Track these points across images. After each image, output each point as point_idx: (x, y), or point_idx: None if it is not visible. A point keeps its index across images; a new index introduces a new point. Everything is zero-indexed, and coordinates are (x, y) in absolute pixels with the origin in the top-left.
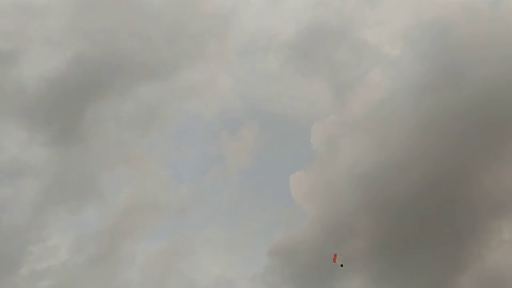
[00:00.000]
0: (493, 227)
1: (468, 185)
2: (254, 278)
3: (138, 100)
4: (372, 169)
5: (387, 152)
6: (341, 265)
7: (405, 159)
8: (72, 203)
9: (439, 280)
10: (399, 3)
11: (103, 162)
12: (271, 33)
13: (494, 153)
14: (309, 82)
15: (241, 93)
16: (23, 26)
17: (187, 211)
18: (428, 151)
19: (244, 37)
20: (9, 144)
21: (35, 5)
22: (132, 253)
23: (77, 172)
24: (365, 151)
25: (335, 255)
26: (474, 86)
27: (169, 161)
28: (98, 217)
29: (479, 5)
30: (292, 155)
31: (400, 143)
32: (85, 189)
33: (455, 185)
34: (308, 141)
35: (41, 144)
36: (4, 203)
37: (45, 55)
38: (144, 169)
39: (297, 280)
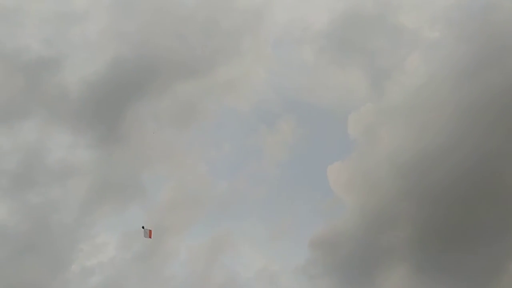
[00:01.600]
0: None
1: None
2: (296, 270)
3: (175, 98)
4: (412, 157)
5: (426, 139)
6: None
7: (446, 145)
8: (117, 202)
9: (488, 265)
10: None
11: (144, 160)
12: (305, 24)
13: None
14: (345, 72)
15: (277, 86)
16: (64, 32)
17: (227, 206)
18: (468, 135)
19: (277, 30)
20: (56, 147)
21: (75, 12)
22: (175, 249)
23: (121, 171)
24: (404, 139)
25: None
26: None
27: (208, 156)
28: (142, 214)
29: None
30: (329, 146)
31: (440, 129)
32: (129, 188)
33: (497, 169)
34: (345, 131)
35: (85, 146)
36: (54, 203)
37: (86, 59)
38: (184, 166)
39: (339, 271)
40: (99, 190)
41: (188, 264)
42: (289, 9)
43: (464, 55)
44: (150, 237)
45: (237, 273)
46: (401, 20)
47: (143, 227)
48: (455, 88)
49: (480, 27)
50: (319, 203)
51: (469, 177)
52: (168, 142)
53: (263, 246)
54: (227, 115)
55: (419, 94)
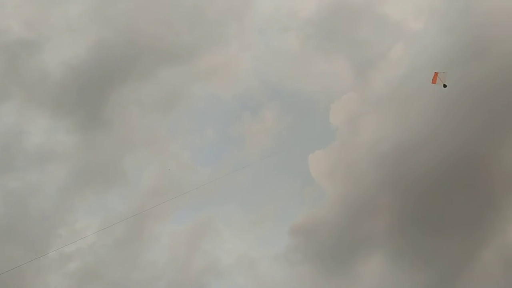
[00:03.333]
0: None
1: (492, 162)
2: (277, 257)
3: (159, 84)
4: (392, 147)
5: (409, 130)
6: (444, 86)
7: (428, 137)
8: (97, 187)
9: (461, 254)
10: None
11: (126, 145)
12: (291, 11)
13: None
14: (330, 60)
15: (262, 73)
16: (46, 14)
17: (210, 192)
18: (451, 128)
19: (263, 17)
20: (36, 131)
21: None
22: (157, 235)
23: (102, 156)
24: (386, 129)
25: (436, 73)
26: (501, 61)
27: (191, 143)
28: (123, 200)
29: None
30: (311, 134)
31: (423, 121)
32: (110, 173)
33: (478, 162)
34: (328, 119)
35: (66, 131)
36: (33, 188)
37: (68, 42)
38: (166, 151)
39: (318, 258)
40: (79, 175)
41: (169, 250)
42: None
43: (446, 46)
44: (434, 82)
45: (218, 259)
46: (387, 11)
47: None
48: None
49: (462, 19)
50: (300, 191)
51: (450, 168)
52: (151, 128)
53: (244, 232)
54: (211, 101)
55: (403, 85)
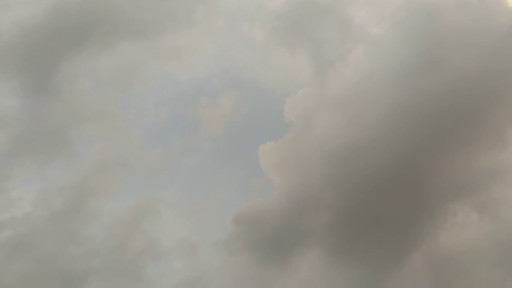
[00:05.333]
0: (449, 210)
1: (433, 169)
2: (217, 243)
3: (116, 58)
4: (344, 148)
5: (359, 133)
6: None
7: (376, 141)
8: (39, 156)
9: (392, 255)
10: None
11: (75, 117)
12: (260, 1)
13: (463, 140)
14: (292, 56)
15: (222, 60)
16: None
17: (157, 173)
18: (394, 132)
19: (232, 4)
20: None
21: None
22: (98, 211)
23: (48, 125)
24: (336, 128)
25: None
26: (453, 72)
27: (143, 122)
28: (65, 172)
29: None
30: (265, 125)
31: (370, 123)
32: (55, 143)
33: (418, 171)
34: (282, 113)
35: (11, 94)
36: None
37: (22, 1)
38: (117, 128)
39: (259, 247)
40: (20, 142)
41: (108, 227)
42: None
43: (404, 57)
44: None
45: (157, 240)
46: (352, 14)
47: None
48: (391, 87)
49: (423, 33)
50: (247, 181)
51: (393, 172)
52: (103, 102)
53: (187, 217)
54: (168, 82)
55: (357, 88)
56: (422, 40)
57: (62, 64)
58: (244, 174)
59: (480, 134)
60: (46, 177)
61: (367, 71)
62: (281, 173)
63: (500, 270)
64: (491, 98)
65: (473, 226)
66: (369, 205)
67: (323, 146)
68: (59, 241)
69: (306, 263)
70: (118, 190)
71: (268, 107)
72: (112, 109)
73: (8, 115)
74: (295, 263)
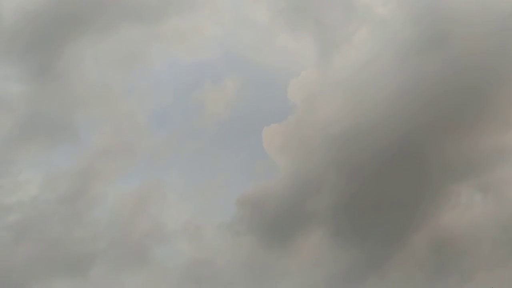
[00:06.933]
0: (453, 190)
1: (437, 150)
2: (221, 226)
3: (120, 40)
4: (348, 130)
5: (363, 115)
6: None
7: (379, 124)
8: (45, 141)
9: (395, 236)
10: None
11: (79, 101)
12: None
13: (467, 121)
14: (296, 37)
15: (228, 43)
16: None
17: (161, 157)
18: (402, 117)
19: None
20: None
21: None
22: (103, 194)
23: (53, 109)
24: (342, 111)
25: None
26: (458, 52)
27: (148, 105)
28: (71, 156)
29: None
30: (269, 108)
31: (378, 106)
32: (60, 127)
33: (424, 150)
34: (286, 95)
35: (16, 79)
36: None
37: None
38: (121, 112)
39: (262, 229)
40: (26, 126)
41: (115, 210)
42: None
43: (409, 37)
44: None
45: (163, 223)
46: None
47: None
48: (396, 69)
49: (428, 13)
50: (251, 163)
51: (391, 154)
52: (107, 86)
53: (192, 200)
54: (173, 66)
55: (362, 70)
56: (426, 20)
57: (66, 48)
58: (248, 157)
59: (484, 115)
60: (52, 161)
61: (372, 52)
62: (285, 155)
63: (502, 250)
64: (495, 79)
65: (476, 206)
66: (372, 187)
67: (326, 128)
68: (65, 224)
69: (309, 244)
70: (123, 173)
71: (272, 89)
72: (116, 92)
73: (13, 100)
74: (298, 244)
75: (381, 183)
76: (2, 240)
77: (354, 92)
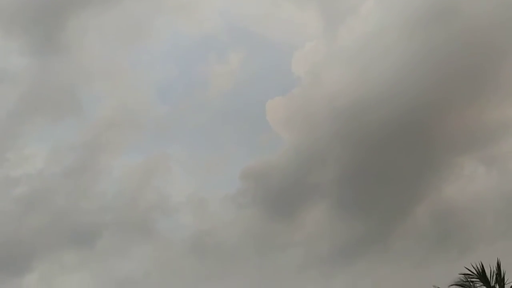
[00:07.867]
0: (456, 163)
1: (442, 123)
2: (226, 198)
3: (124, 13)
4: (351, 103)
5: (367, 88)
6: None
7: (384, 97)
8: (50, 114)
9: (398, 208)
10: None
11: (84, 74)
12: None
13: (472, 94)
14: (301, 9)
15: (232, 16)
16: None
17: (166, 130)
18: (407, 90)
19: None
20: None
21: None
22: (108, 167)
23: (57, 82)
24: (347, 84)
25: None
26: (465, 24)
27: (152, 78)
28: (76, 129)
29: None
30: (273, 80)
31: (383, 79)
32: (65, 100)
33: (429, 122)
34: (290, 67)
35: (19, 53)
36: None
37: None
38: (126, 85)
39: (266, 202)
40: (31, 100)
41: (120, 183)
42: None
43: (416, 8)
44: None
45: (168, 196)
46: None
47: None
48: (402, 41)
49: None
50: (256, 136)
51: (395, 127)
52: (112, 58)
53: (196, 173)
54: (177, 39)
55: (367, 42)
56: None
57: (69, 19)
58: (252, 130)
59: (489, 89)
60: (57, 134)
61: (378, 24)
62: (289, 128)
63: (504, 223)
64: (501, 52)
65: (480, 179)
66: (376, 160)
67: (331, 102)
68: (71, 197)
69: (313, 216)
70: (128, 146)
71: (276, 61)
72: (120, 65)
73: (17, 74)
74: (301, 216)
75: (384, 156)
76: (10, 212)
77: (359, 65)
